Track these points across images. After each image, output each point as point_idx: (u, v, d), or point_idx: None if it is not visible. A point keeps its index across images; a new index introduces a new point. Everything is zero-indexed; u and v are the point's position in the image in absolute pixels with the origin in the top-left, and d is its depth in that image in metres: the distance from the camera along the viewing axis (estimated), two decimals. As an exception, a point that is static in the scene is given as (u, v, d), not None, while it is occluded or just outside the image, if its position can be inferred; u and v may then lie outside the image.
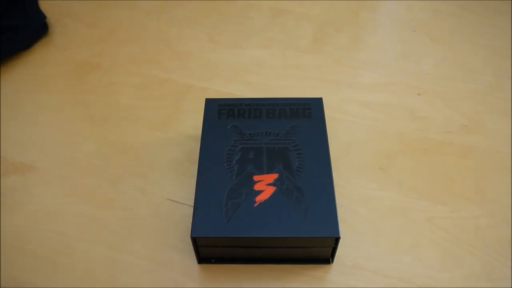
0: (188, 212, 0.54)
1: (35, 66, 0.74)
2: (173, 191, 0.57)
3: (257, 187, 0.48)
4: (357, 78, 0.71)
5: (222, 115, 0.56)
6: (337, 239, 0.46)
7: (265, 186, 0.48)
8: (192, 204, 0.51)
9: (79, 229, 0.53)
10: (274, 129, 0.54)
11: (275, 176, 0.49)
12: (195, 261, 0.50)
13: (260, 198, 0.47)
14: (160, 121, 0.65)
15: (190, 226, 0.52)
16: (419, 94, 0.68)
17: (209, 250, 0.48)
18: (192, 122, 0.64)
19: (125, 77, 0.72)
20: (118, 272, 0.50)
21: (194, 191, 0.48)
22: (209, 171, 0.50)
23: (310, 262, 0.50)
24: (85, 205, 0.55)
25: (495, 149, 0.61)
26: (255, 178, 0.49)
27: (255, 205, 0.47)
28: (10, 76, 0.72)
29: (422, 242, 0.52)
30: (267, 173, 0.49)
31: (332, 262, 0.50)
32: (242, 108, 0.56)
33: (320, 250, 0.48)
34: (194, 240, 0.46)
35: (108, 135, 0.63)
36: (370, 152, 0.61)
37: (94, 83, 0.71)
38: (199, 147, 0.53)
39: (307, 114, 0.56)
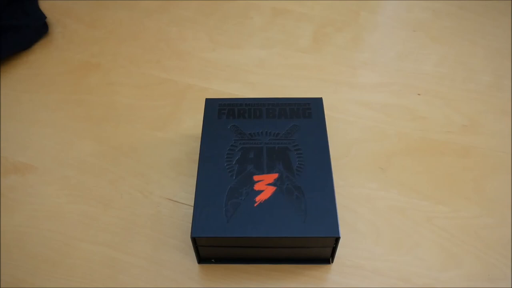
0: (188, 212, 0.54)
1: (35, 66, 0.74)
2: (173, 191, 0.57)
3: (257, 187, 0.48)
4: (357, 78, 0.71)
5: (222, 115, 0.56)
6: (337, 239, 0.46)
7: (265, 186, 0.48)
8: (192, 204, 0.51)
9: (79, 229, 0.53)
10: (274, 129, 0.54)
11: (275, 176, 0.49)
12: (195, 261, 0.50)
13: (260, 198, 0.47)
14: (160, 121, 0.65)
15: (190, 226, 0.52)
16: (419, 94, 0.68)
17: (209, 250, 0.48)
18: (192, 122, 0.64)
19: (125, 77, 0.72)
20: (118, 272, 0.50)
21: (194, 191, 0.48)
22: (209, 171, 0.50)
23: (310, 262, 0.50)
24: (85, 205, 0.56)
25: (495, 149, 0.61)
26: (255, 178, 0.49)
27: (255, 205, 0.47)
28: (10, 76, 0.72)
29: (422, 242, 0.52)
30: (267, 173, 0.49)
31: (332, 262, 0.50)
32: (242, 108, 0.56)
33: (320, 250, 0.48)
34: (194, 240, 0.46)
35: (108, 135, 0.63)
36: (370, 152, 0.61)
37: (94, 83, 0.71)
38: (199, 147, 0.53)
39: (307, 114, 0.56)
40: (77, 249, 0.52)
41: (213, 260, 0.50)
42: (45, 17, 0.79)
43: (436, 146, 0.61)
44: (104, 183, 0.58)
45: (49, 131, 0.64)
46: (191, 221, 0.47)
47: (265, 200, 0.47)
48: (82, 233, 0.53)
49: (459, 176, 0.58)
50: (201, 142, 0.53)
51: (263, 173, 0.49)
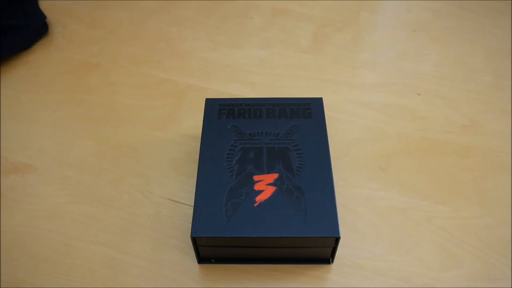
0: (188, 212, 0.54)
1: (35, 66, 0.74)
2: (173, 191, 0.57)
3: (257, 187, 0.48)
4: (357, 78, 0.71)
5: (222, 115, 0.56)
6: (337, 239, 0.46)
7: (265, 186, 0.48)
8: (192, 204, 0.51)
9: (79, 229, 0.53)
10: (274, 129, 0.54)
11: (275, 176, 0.49)
12: (195, 261, 0.50)
13: (260, 198, 0.47)
14: (160, 121, 0.65)
15: (190, 226, 0.52)
16: (419, 94, 0.68)
17: (209, 250, 0.48)
18: (192, 122, 0.64)
19: (125, 77, 0.72)
20: (118, 272, 0.50)
21: (194, 191, 0.48)
22: (209, 171, 0.50)
23: (310, 262, 0.50)
24: (85, 205, 0.56)
25: (495, 149, 0.61)
26: (255, 178, 0.49)
27: (255, 205, 0.47)
28: (10, 76, 0.72)
29: (422, 242, 0.52)
30: (267, 173, 0.49)
31: (332, 262, 0.50)
32: (242, 108, 0.56)
33: (320, 250, 0.48)
34: (194, 240, 0.46)
35: (108, 135, 0.63)
36: (370, 152, 0.61)
37: (94, 83, 0.71)
38: (199, 147, 0.53)
39: (307, 114, 0.56)
40: (77, 249, 0.52)
41: (213, 260, 0.50)
42: (45, 17, 0.79)
43: (436, 146, 0.61)
44: (104, 183, 0.58)
45: (49, 131, 0.64)
46: (191, 221, 0.47)
47: (265, 200, 0.47)
48: (82, 233, 0.53)
49: (459, 176, 0.58)
50: (201, 142, 0.53)
51: (263, 173, 0.49)
